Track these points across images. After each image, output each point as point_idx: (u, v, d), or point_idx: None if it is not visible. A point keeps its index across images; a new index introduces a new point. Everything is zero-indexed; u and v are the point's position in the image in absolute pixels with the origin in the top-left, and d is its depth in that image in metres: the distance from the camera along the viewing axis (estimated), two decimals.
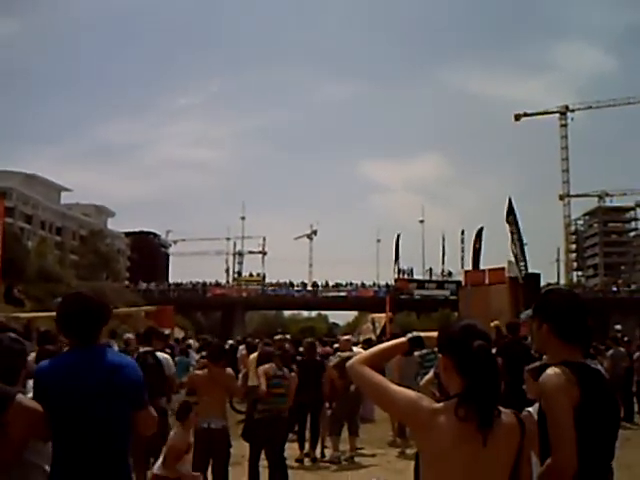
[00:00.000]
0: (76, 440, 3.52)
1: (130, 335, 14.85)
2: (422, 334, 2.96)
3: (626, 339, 18.21)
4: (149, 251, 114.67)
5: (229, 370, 8.30)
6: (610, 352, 16.58)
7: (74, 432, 3.53)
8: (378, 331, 37.26)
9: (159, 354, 8.73)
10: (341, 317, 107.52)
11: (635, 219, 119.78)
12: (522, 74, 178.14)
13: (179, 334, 31.95)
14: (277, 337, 15.88)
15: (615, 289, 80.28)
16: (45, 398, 3.53)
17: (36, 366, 3.83)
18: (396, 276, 77.70)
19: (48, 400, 3.51)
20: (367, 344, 14.45)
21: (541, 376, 3.02)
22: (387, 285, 76.69)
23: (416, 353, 10.94)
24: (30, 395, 3.87)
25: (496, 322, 14.18)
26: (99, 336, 3.84)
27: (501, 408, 2.62)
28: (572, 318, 3.12)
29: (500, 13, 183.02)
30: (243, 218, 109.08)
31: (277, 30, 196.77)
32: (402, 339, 2.95)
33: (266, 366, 9.08)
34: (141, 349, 8.95)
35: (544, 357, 9.59)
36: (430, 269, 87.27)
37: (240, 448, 9.05)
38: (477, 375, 2.52)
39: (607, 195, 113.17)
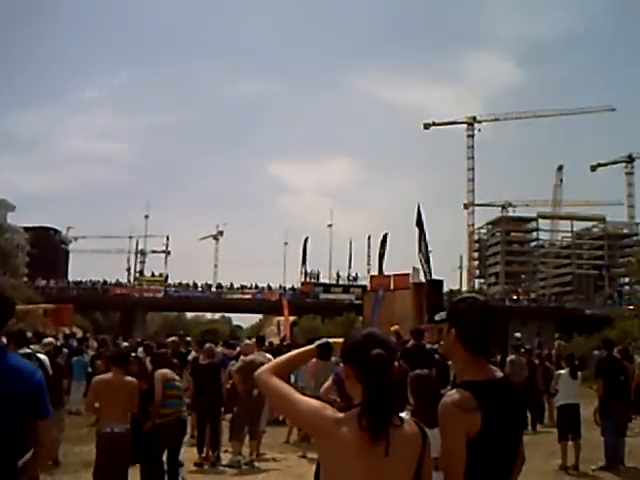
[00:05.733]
0: None
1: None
2: (331, 340, 2.91)
3: (527, 347, 18.56)
4: (49, 247, 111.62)
5: (133, 380, 8.03)
6: (511, 358, 16.85)
7: None
8: (282, 334, 37.25)
9: (40, 355, 8.60)
10: (245, 320, 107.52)
11: (536, 229, 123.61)
12: (432, 83, 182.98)
13: (78, 334, 31.18)
14: (170, 339, 15.58)
15: (515, 297, 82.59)
16: None
17: None
18: (302, 279, 77.93)
19: None
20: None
21: (440, 402, 2.96)
22: (293, 288, 76.82)
23: (333, 358, 10.89)
24: None
25: (395, 327, 14.34)
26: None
27: (404, 416, 2.62)
28: (481, 331, 3.05)
29: (413, 21, 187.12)
30: (147, 216, 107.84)
31: (186, 24, 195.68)
32: (311, 346, 2.91)
33: (163, 371, 8.89)
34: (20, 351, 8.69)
35: (450, 362, 9.67)
36: (337, 273, 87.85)
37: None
38: (373, 384, 2.51)
39: (510, 205, 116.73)
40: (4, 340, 10.36)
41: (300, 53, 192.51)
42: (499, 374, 3.09)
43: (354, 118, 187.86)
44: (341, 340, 2.80)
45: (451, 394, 2.93)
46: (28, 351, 8.67)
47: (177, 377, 9.13)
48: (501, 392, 3.00)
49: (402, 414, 5.19)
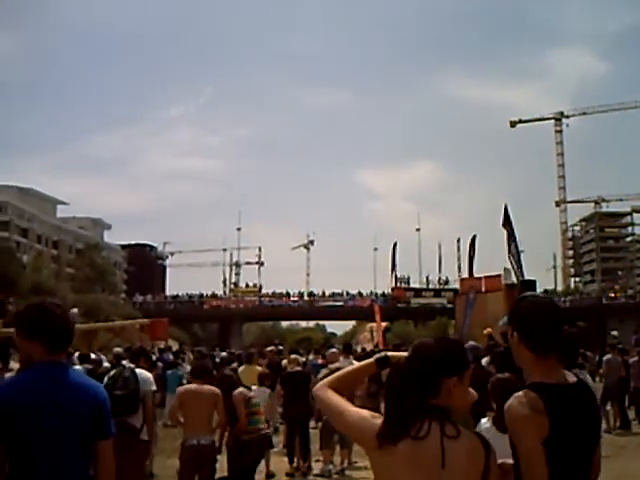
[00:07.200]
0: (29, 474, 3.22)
1: (119, 349, 14.66)
2: (389, 354, 2.83)
3: (620, 346, 17.96)
4: (146, 263, 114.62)
5: (216, 389, 8.12)
6: (607, 357, 16.41)
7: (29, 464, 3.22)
8: (375, 340, 37.15)
9: (140, 370, 8.23)
10: (339, 327, 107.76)
11: (631, 224, 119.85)
12: (516, 80, 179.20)
13: (174, 347, 31.78)
14: (268, 349, 15.76)
15: (612, 295, 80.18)
16: (7, 421, 3.18)
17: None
18: (393, 285, 77.48)
19: (11, 424, 3.18)
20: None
21: (505, 404, 2.82)
22: (384, 294, 76.56)
23: None
24: None
25: (488, 330, 14.07)
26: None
27: (462, 428, 2.49)
28: (544, 330, 2.87)
29: (493, 19, 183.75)
30: (239, 229, 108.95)
31: (267, 39, 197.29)
32: (369, 360, 2.85)
33: (243, 390, 8.74)
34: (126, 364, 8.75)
35: None
36: (427, 277, 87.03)
37: (224, 462, 8.84)
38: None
39: (603, 201, 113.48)
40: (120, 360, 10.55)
41: (377, 57, 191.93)
42: (572, 378, 2.90)
43: (437, 120, 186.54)
44: (400, 354, 2.75)
45: (517, 395, 2.78)
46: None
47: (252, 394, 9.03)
48: (572, 397, 2.80)
49: (483, 420, 5.13)
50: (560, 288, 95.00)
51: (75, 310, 38.00)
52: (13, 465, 3.21)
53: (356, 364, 2.93)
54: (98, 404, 3.43)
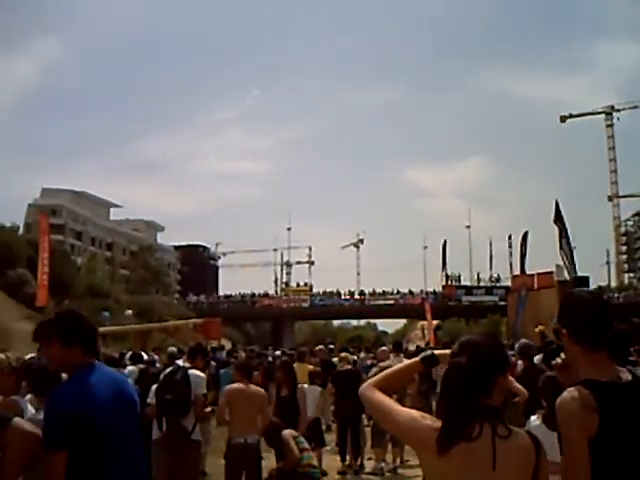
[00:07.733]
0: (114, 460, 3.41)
1: (174, 349, 14.82)
2: (436, 352, 2.83)
3: None
4: (198, 264, 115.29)
5: (261, 390, 8.23)
6: None
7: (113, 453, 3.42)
8: (427, 338, 37.03)
9: (193, 371, 8.01)
10: (390, 325, 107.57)
11: None
12: (565, 75, 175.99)
13: (227, 346, 32.05)
14: (317, 348, 15.81)
15: None
16: (89, 421, 3.30)
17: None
18: (444, 282, 76.99)
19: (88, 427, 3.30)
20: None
21: (557, 400, 2.79)
22: (435, 292, 76.11)
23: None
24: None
25: (540, 327, 13.95)
26: None
27: (513, 428, 2.48)
28: (592, 324, 2.85)
29: (540, 12, 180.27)
30: (289, 229, 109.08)
31: (309, 39, 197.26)
32: (416, 359, 2.84)
33: (290, 431, 8.18)
34: (181, 363, 8.80)
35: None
36: (478, 274, 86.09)
37: (271, 460, 8.80)
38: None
39: None
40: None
41: (426, 53, 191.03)
42: (626, 376, 2.84)
43: (486, 116, 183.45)
44: (446, 351, 2.73)
45: (570, 390, 2.76)
46: (187, 365, 8.55)
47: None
48: (626, 397, 2.75)
49: (532, 417, 5.09)
50: (614, 284, 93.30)
51: (129, 311, 38.69)
52: (79, 468, 3.27)
53: (402, 363, 2.92)
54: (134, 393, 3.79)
